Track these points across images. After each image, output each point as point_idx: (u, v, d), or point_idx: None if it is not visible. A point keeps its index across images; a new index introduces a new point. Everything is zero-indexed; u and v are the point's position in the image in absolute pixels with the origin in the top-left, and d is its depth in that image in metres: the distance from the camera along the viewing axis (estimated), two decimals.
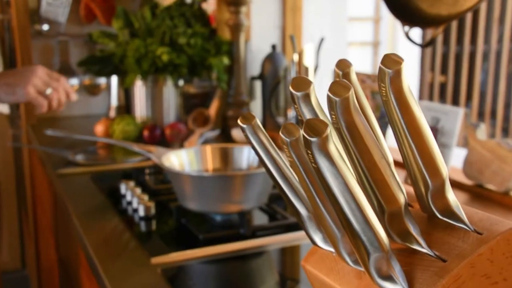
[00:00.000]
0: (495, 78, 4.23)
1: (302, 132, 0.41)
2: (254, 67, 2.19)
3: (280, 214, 1.19)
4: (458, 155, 1.38)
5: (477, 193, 1.31)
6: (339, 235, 0.48)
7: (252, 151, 1.26)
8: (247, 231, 1.08)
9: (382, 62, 0.43)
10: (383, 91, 0.44)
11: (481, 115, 4.32)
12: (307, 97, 0.46)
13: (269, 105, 2.00)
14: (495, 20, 4.18)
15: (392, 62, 0.43)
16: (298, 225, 1.13)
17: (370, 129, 0.44)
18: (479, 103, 4.32)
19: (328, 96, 0.42)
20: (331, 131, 0.40)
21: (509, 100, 4.23)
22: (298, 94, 0.46)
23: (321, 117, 0.47)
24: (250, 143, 0.50)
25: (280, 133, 0.44)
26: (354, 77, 0.50)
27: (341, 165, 0.41)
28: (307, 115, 0.47)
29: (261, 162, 0.50)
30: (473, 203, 1.27)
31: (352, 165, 0.45)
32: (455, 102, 4.38)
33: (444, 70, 4.48)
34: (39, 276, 2.56)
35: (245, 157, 1.28)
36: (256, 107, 2.23)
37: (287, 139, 0.43)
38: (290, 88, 0.46)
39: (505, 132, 4.28)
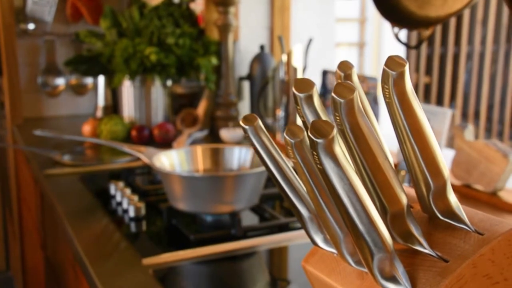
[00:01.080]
0: (479, 79, 4.28)
1: (308, 133, 0.41)
2: (242, 68, 2.19)
3: (271, 214, 1.20)
4: (446, 156, 1.39)
5: (464, 194, 1.32)
6: (341, 236, 0.48)
7: (243, 152, 1.26)
8: (238, 231, 1.08)
9: (386, 64, 0.43)
10: (386, 93, 0.44)
11: (464, 116, 4.36)
12: (310, 99, 0.47)
13: (258, 106, 2.00)
14: (478, 22, 4.22)
15: (395, 64, 0.43)
16: (289, 226, 1.14)
17: (373, 131, 0.44)
18: (462, 103, 4.36)
19: (332, 97, 0.42)
20: (336, 133, 0.40)
21: (492, 101, 4.27)
22: (301, 95, 0.46)
23: (324, 118, 0.47)
24: (252, 144, 0.50)
25: (285, 135, 0.44)
26: (356, 79, 0.50)
27: (346, 167, 0.41)
28: (310, 116, 0.47)
29: (263, 163, 0.50)
30: (461, 203, 1.27)
31: (355, 166, 0.45)
32: (440, 102, 4.41)
33: (428, 71, 4.51)
34: (24, 278, 2.53)
35: (236, 157, 1.28)
36: (244, 108, 2.22)
37: (291, 140, 0.43)
38: (293, 90, 0.46)
39: (488, 132, 4.33)
